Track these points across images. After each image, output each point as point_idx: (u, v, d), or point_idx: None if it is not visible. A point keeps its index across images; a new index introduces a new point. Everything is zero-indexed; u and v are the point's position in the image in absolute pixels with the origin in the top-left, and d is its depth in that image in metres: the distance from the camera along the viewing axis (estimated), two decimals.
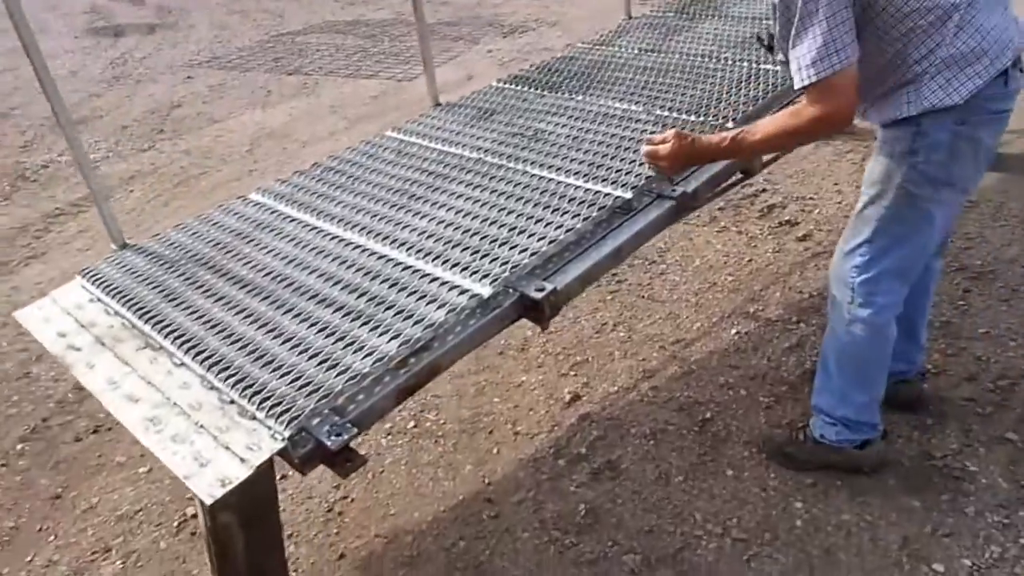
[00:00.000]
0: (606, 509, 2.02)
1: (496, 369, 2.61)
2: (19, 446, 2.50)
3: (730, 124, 2.13)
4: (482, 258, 1.67)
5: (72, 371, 1.62)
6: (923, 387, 2.22)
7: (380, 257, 1.75)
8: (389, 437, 2.36)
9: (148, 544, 2.09)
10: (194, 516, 2.14)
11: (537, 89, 2.61)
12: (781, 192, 3.56)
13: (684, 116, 2.23)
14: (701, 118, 2.20)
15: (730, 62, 2.62)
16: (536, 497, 2.08)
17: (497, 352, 2.69)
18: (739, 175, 2.24)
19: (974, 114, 1.59)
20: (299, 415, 1.33)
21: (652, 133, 2.13)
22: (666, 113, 2.27)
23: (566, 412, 2.38)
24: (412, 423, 2.40)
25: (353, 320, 1.55)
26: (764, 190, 3.59)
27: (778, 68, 2.47)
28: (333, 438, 1.29)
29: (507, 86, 2.69)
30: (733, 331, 2.66)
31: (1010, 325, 2.53)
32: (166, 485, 2.27)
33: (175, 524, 2.13)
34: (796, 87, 1.54)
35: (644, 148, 1.78)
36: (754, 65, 2.54)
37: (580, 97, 2.49)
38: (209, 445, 1.36)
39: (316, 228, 1.92)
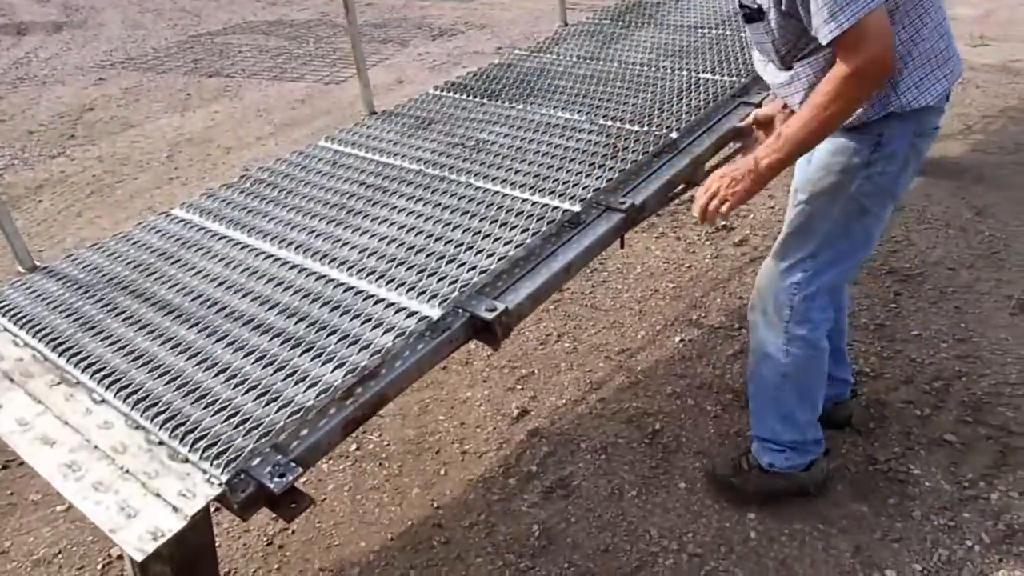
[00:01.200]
0: (560, 529, 1.97)
1: (440, 385, 2.53)
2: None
3: (674, 134, 2.11)
4: (428, 277, 1.59)
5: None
6: (855, 402, 2.24)
7: (319, 277, 1.64)
8: (331, 462, 2.24)
9: None
10: (119, 557, 1.98)
11: (476, 97, 2.54)
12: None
13: (628, 126, 2.20)
14: (644, 127, 2.17)
15: (669, 71, 2.61)
16: (488, 519, 2.01)
17: (440, 367, 2.60)
18: (683, 185, 2.22)
19: (925, 125, 1.60)
20: (237, 456, 1.22)
21: (597, 143, 2.09)
22: (608, 122, 2.24)
23: (514, 428, 2.32)
24: (354, 446, 2.29)
25: (293, 348, 1.44)
26: None
27: (717, 78, 2.48)
28: (276, 480, 1.19)
29: (445, 93, 2.61)
30: (677, 339, 2.66)
31: (940, 327, 2.61)
32: (87, 524, 2.09)
33: (99, 567, 1.97)
34: (829, 38, 1.42)
35: (698, 208, 1.71)
36: (693, 74, 2.54)
37: (521, 106, 2.43)
38: (136, 493, 1.23)
39: (247, 246, 1.79)
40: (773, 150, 1.56)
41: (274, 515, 2.03)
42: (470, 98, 2.54)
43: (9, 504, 2.19)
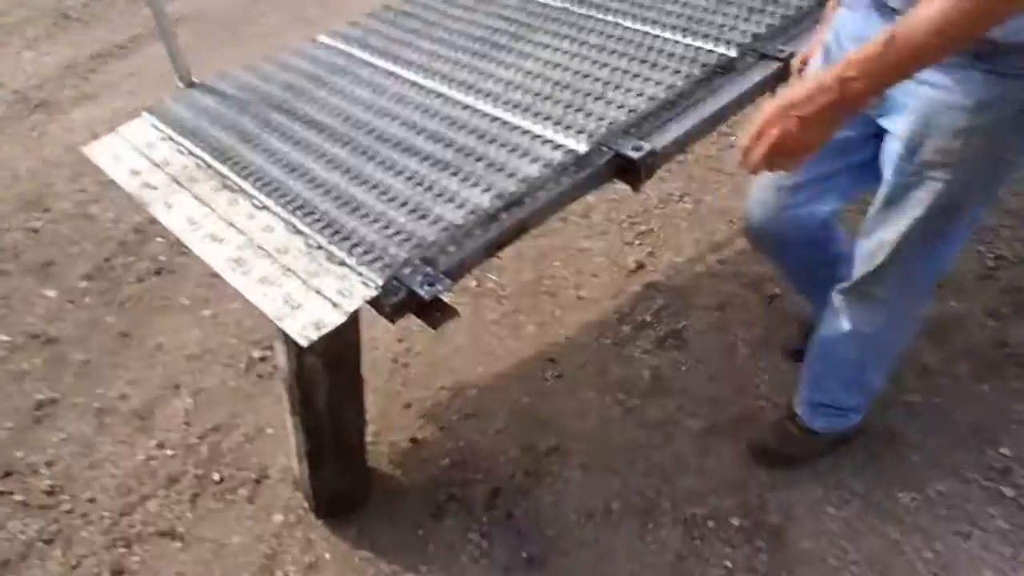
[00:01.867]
0: (671, 376, 2.03)
1: (557, 233, 2.57)
2: (83, 284, 2.54)
3: None
4: (575, 112, 1.57)
5: (150, 209, 1.59)
6: None
7: (465, 107, 1.65)
8: (451, 295, 2.35)
9: (217, 383, 2.14)
10: (261, 359, 2.19)
11: None
12: None
13: None
14: None
15: None
16: (600, 360, 2.09)
17: (559, 217, 2.63)
18: None
19: None
20: (391, 263, 1.30)
21: None
22: None
23: (630, 280, 2.35)
24: (474, 283, 2.39)
25: (442, 170, 1.48)
26: None
27: None
28: (426, 287, 1.26)
29: None
30: None
31: None
32: (231, 329, 2.30)
33: (243, 365, 2.18)
34: None
35: (742, 148, 1.20)
36: None
37: None
38: (299, 288, 1.34)
39: (394, 74, 1.82)
40: (873, 64, 1.02)
41: (399, 337, 2.19)
42: None
43: (163, 306, 2.42)
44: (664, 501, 1.76)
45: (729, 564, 1.63)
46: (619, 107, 1.57)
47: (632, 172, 1.49)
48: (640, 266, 2.39)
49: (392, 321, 1.36)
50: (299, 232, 1.43)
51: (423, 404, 2.03)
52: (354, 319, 1.46)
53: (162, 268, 2.57)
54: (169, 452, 1.96)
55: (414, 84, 1.77)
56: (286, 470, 1.90)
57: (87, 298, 2.50)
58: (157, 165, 1.70)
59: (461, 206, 1.39)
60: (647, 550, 1.67)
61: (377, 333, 2.22)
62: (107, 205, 2.85)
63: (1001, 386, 1.93)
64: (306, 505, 1.81)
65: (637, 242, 2.50)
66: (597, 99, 1.61)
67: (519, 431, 1.94)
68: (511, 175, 1.44)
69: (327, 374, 1.53)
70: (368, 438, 1.93)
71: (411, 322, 2.26)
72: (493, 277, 2.41)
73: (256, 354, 2.22)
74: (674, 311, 2.22)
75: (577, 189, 1.46)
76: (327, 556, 1.72)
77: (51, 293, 2.52)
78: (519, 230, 1.42)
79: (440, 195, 1.43)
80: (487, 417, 1.98)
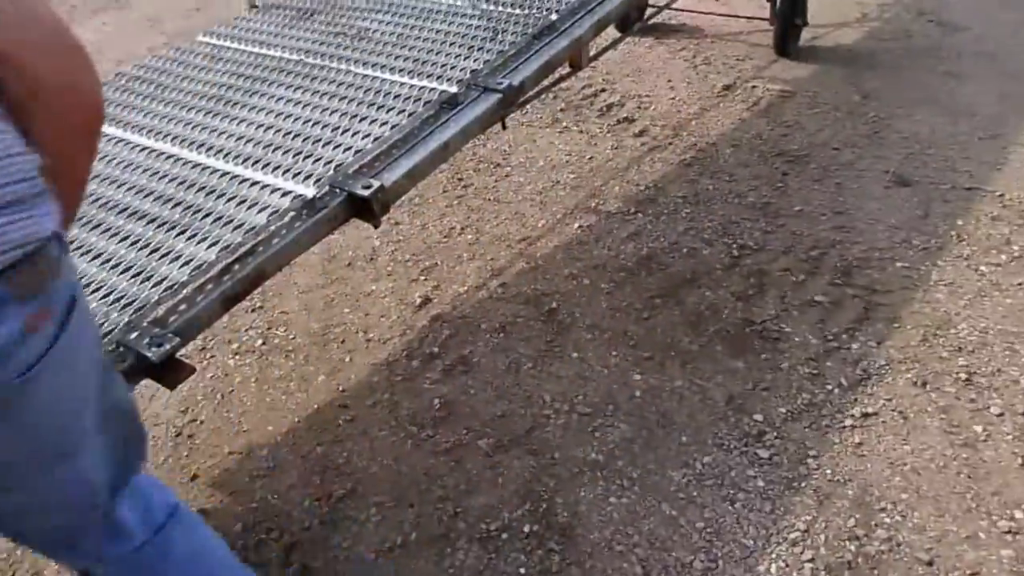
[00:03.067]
0: (460, 401, 2.09)
1: (345, 280, 2.58)
2: None
3: (553, 16, 2.14)
4: (305, 159, 1.62)
5: None
6: None
7: (195, 166, 1.66)
8: (237, 357, 2.30)
9: None
10: None
11: None
12: (619, 91, 3.65)
13: (508, 9, 2.21)
14: (524, 10, 2.19)
15: None
16: (391, 398, 2.11)
17: (345, 264, 2.65)
18: (568, 68, 2.27)
19: None
20: (113, 329, 1.27)
21: (478, 28, 2.10)
22: (491, 7, 2.25)
23: (417, 315, 2.40)
24: (260, 341, 2.35)
25: (168, 231, 1.47)
26: (604, 89, 3.67)
27: None
28: (154, 349, 1.24)
29: None
30: (576, 225, 2.75)
31: (821, 202, 2.77)
32: None
33: None
34: None
35: None
36: None
37: None
38: None
39: (123, 140, 1.79)
40: None
41: (182, 408, 2.11)
42: None
43: None
44: (459, 523, 1.79)
45: (523, 571, 1.69)
46: (347, 149, 1.63)
47: (368, 210, 1.55)
48: (426, 300, 2.45)
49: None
50: None
51: (211, 472, 1.96)
52: None
53: None
54: None
55: (144, 148, 1.75)
56: (63, 569, 1.77)
57: None
58: None
59: (187, 263, 1.39)
60: (445, 573, 1.70)
61: (158, 408, 2.13)
62: None
63: (752, 360, 2.15)
64: None
65: (422, 278, 2.56)
66: (326, 144, 1.66)
67: (313, 482, 1.91)
68: (238, 227, 1.45)
69: None
70: None
71: (195, 391, 2.20)
72: (280, 332, 2.38)
73: None
74: (460, 339, 2.29)
75: (313, 231, 1.50)
76: None
77: None
78: (255, 280, 1.43)
79: (165, 255, 1.41)
80: (279, 474, 1.94)
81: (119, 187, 1.61)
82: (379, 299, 2.49)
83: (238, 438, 2.03)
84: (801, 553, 1.68)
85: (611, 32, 3.48)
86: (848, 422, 1.95)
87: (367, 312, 2.44)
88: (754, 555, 1.68)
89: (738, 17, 4.07)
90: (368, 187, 1.54)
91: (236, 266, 1.40)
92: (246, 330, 2.39)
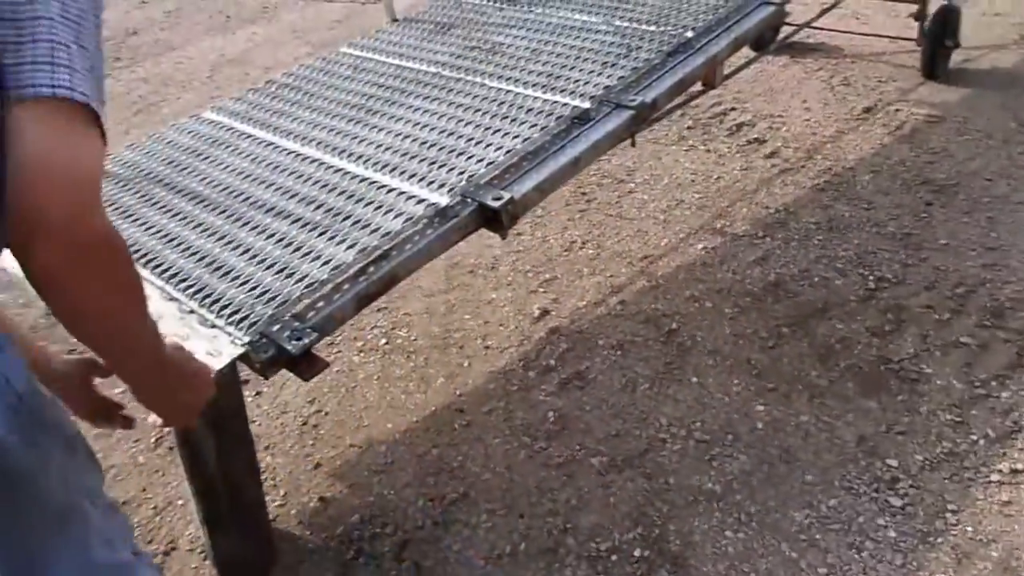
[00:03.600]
0: (574, 416, 2.07)
1: (467, 287, 2.63)
2: None
3: (689, 34, 2.11)
4: (439, 168, 1.66)
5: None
6: None
7: (337, 171, 1.73)
8: (361, 354, 2.38)
9: (126, 459, 2.11)
10: (170, 432, 2.16)
11: (495, 1, 2.54)
12: (750, 110, 3.54)
13: (643, 26, 2.20)
14: (660, 27, 2.16)
15: None
16: (506, 406, 2.12)
17: (467, 271, 2.70)
18: (700, 86, 2.23)
19: None
20: (258, 320, 1.34)
21: (612, 44, 2.09)
22: (626, 24, 2.24)
23: (535, 327, 2.41)
24: (384, 340, 2.42)
25: (310, 231, 1.55)
26: (733, 108, 3.57)
27: None
28: (294, 342, 1.30)
29: None
30: (700, 246, 2.69)
31: (969, 236, 2.58)
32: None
33: (152, 440, 2.16)
34: None
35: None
36: None
37: (539, 9, 2.43)
38: None
39: (272, 144, 1.90)
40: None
41: (309, 399, 2.20)
42: (489, 3, 2.55)
43: None
44: (569, 539, 1.78)
45: None
46: (479, 161, 1.66)
47: (496, 220, 1.57)
48: (545, 312, 2.46)
49: (264, 377, 1.39)
50: (173, 299, 1.46)
51: (333, 463, 2.03)
52: (234, 380, 1.49)
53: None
54: None
55: (291, 152, 1.84)
56: (195, 540, 1.87)
57: None
58: None
59: (327, 263, 1.45)
60: None
61: (287, 397, 2.23)
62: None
63: (887, 401, 2.02)
64: (215, 574, 1.78)
65: (542, 289, 2.57)
66: (460, 155, 1.70)
67: (428, 482, 1.95)
68: (375, 231, 1.51)
69: (213, 438, 1.54)
70: (276, 501, 1.93)
71: (322, 383, 2.29)
72: (402, 334, 2.45)
73: (166, 428, 2.19)
74: (577, 353, 2.28)
75: (444, 238, 1.54)
76: None
77: None
78: (388, 282, 1.47)
79: (307, 254, 1.48)
80: (396, 471, 1.99)
81: (268, 187, 1.71)
82: (499, 308, 2.51)
83: (359, 432, 2.10)
84: None
85: (744, 50, 3.39)
86: (995, 477, 1.80)
87: (487, 320, 2.46)
88: None
89: (881, 36, 3.88)
90: (499, 199, 1.56)
91: (371, 268, 1.45)
92: (371, 329, 2.47)
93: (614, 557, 1.73)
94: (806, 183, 2.96)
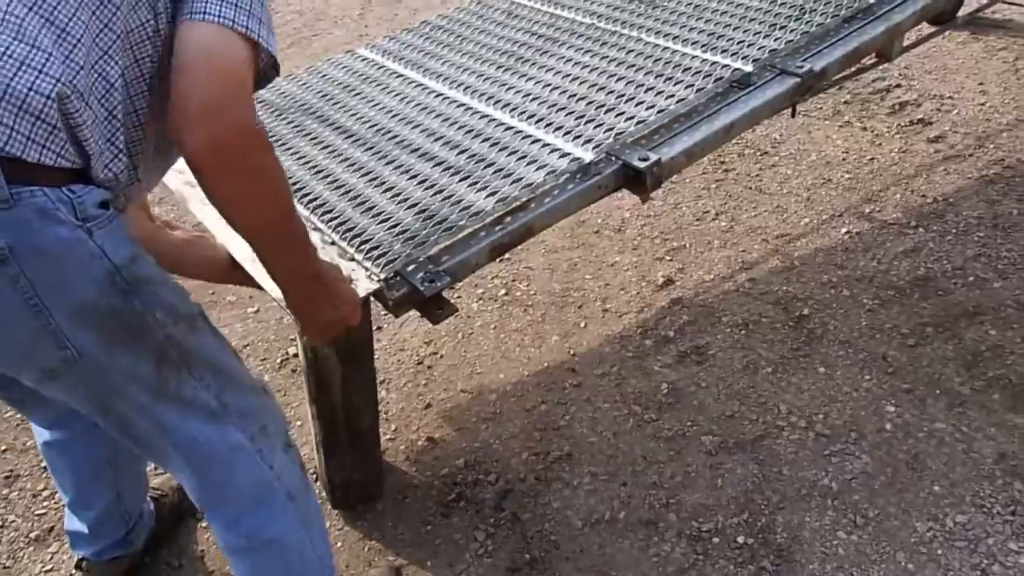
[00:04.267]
0: (689, 391, 2.02)
1: (591, 247, 2.59)
2: None
3: None
4: (586, 123, 1.62)
5: (188, 205, 1.70)
6: None
7: (483, 117, 1.73)
8: (480, 302, 2.41)
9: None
10: (295, 355, 2.28)
11: None
12: (917, 89, 3.27)
13: None
14: None
15: None
16: (620, 372, 2.10)
17: (593, 231, 2.66)
18: (874, 57, 2.06)
19: None
20: (395, 259, 1.37)
21: (784, 4, 1.95)
22: None
23: (657, 295, 2.35)
24: (503, 291, 2.44)
25: (453, 175, 1.55)
26: (898, 85, 3.31)
27: None
28: (427, 284, 1.33)
29: None
30: (843, 230, 2.53)
31: None
32: (271, 325, 2.41)
33: (278, 360, 2.28)
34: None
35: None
36: None
37: None
38: None
39: (421, 85, 1.91)
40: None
41: (426, 340, 2.25)
42: None
43: (211, 302, 2.56)
44: (670, 514, 1.75)
45: None
46: (629, 119, 1.61)
47: (639, 182, 1.52)
48: (669, 281, 2.39)
49: (395, 315, 1.43)
50: (316, 229, 1.51)
51: (443, 405, 2.08)
52: (367, 314, 1.53)
53: None
54: None
55: (439, 95, 1.85)
56: (309, 461, 1.98)
57: None
58: (178, 172, 1.81)
59: (466, 208, 1.45)
60: (649, 561, 1.67)
61: (405, 335, 2.29)
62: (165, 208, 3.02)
63: None
64: (324, 495, 1.87)
65: (668, 258, 2.50)
66: (609, 111, 1.65)
67: (534, 436, 1.96)
68: (516, 181, 1.49)
69: (341, 366, 1.60)
70: (386, 435, 2.00)
71: (441, 326, 2.33)
72: (522, 287, 2.45)
73: (292, 350, 2.31)
74: (698, 327, 2.21)
75: (584, 195, 1.50)
76: (338, 544, 1.78)
77: None
78: (524, 234, 1.46)
79: (448, 198, 1.49)
80: (504, 421, 2.01)
81: (414, 128, 1.73)
82: (621, 271, 2.47)
83: (471, 379, 2.14)
84: None
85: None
86: None
87: (608, 282, 2.43)
88: None
89: None
90: (645, 159, 1.51)
91: (508, 218, 1.45)
92: (492, 278, 2.49)
93: (716, 540, 1.69)
94: (972, 173, 2.71)
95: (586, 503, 1.79)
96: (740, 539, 1.69)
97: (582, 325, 2.28)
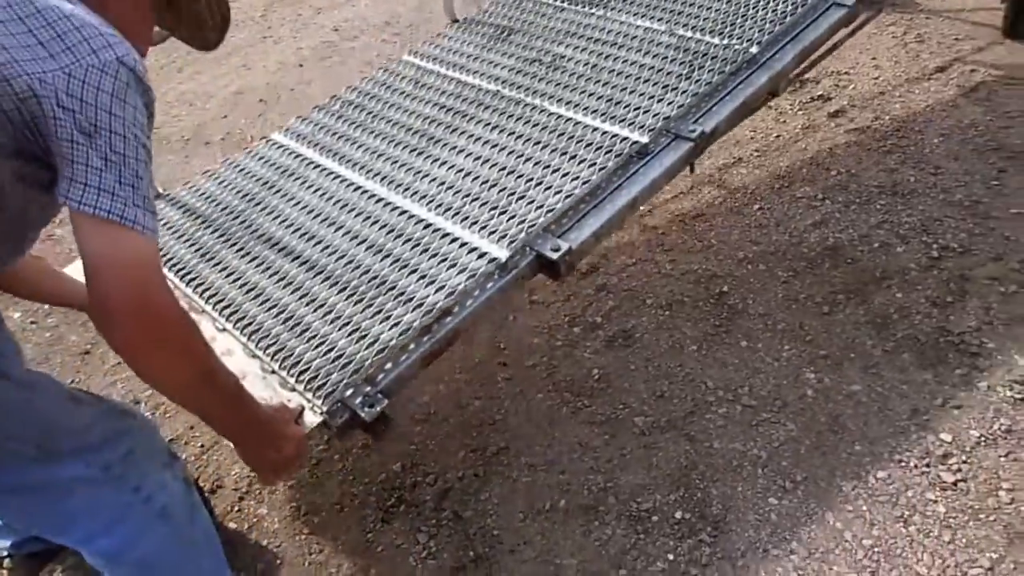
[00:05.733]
0: (618, 375, 2.06)
1: None
2: (47, 305, 2.56)
3: (754, 48, 2.02)
4: (499, 216, 1.69)
5: None
6: None
7: (402, 213, 1.78)
8: None
9: None
10: None
11: (557, 1, 2.47)
12: (815, 66, 3.39)
13: (707, 37, 2.13)
14: (724, 39, 2.09)
15: None
16: (550, 362, 2.12)
17: None
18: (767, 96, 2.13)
19: None
20: (334, 389, 1.41)
21: (674, 61, 2.05)
22: (689, 33, 2.17)
23: (583, 283, 2.38)
24: None
25: (379, 285, 1.61)
26: None
27: None
28: (367, 409, 1.38)
29: None
30: (756, 207, 2.61)
31: None
32: None
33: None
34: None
35: None
36: None
37: (600, 12, 2.36)
38: None
39: (339, 176, 1.94)
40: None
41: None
42: (551, 2, 2.48)
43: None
44: (609, 497, 1.78)
45: (671, 557, 1.65)
46: (539, 208, 1.68)
47: (553, 269, 1.60)
48: (593, 269, 2.42)
49: (340, 439, 1.48)
50: (255, 356, 1.55)
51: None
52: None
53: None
54: None
55: (357, 187, 1.88)
56: (240, 479, 1.93)
57: (50, 319, 2.53)
58: None
59: (396, 324, 1.51)
60: (592, 546, 1.69)
61: None
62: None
63: (944, 374, 1.96)
64: (261, 513, 1.83)
65: None
66: (520, 199, 1.72)
67: (470, 433, 1.96)
68: (440, 288, 1.56)
69: None
70: (320, 446, 1.97)
71: None
72: None
73: None
74: (624, 312, 2.25)
75: (503, 291, 1.58)
76: (277, 563, 1.74)
77: (16, 315, 2.54)
78: (451, 339, 1.53)
79: (378, 313, 1.55)
80: (439, 421, 2.01)
81: (337, 230, 1.78)
82: None
83: None
84: None
85: None
86: None
87: None
88: None
89: None
90: (557, 249, 1.59)
91: (435, 326, 1.51)
92: None
93: (655, 518, 1.73)
94: (871, 145, 2.84)
95: (526, 495, 1.80)
96: (678, 514, 1.73)
97: (510, 318, 2.29)
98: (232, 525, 1.82)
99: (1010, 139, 2.78)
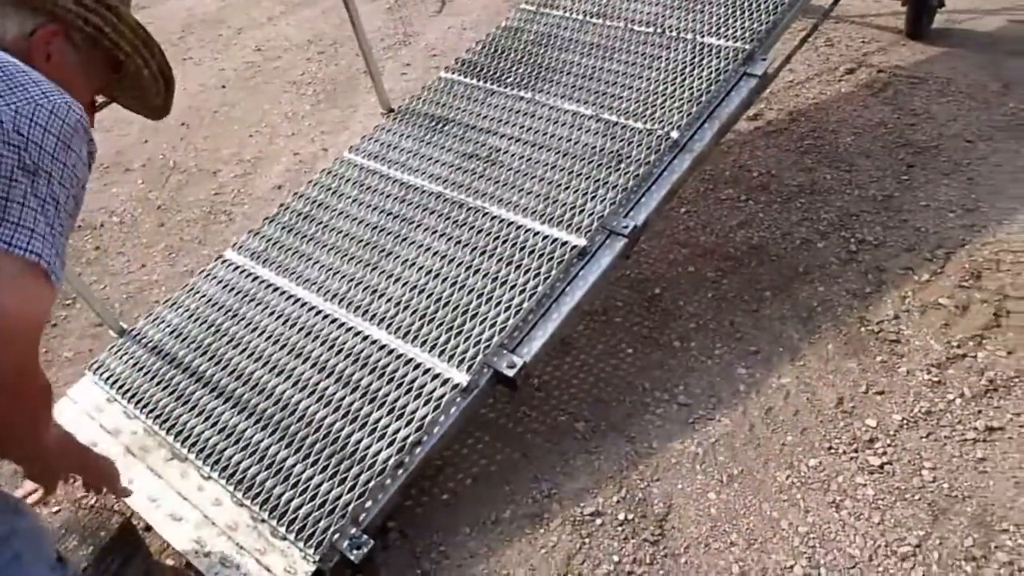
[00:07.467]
0: (558, 382, 2.08)
1: None
2: None
3: (675, 133, 2.10)
4: (456, 335, 1.78)
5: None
6: None
7: (365, 338, 1.84)
8: None
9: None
10: None
11: (485, 82, 2.51)
12: None
13: (631, 122, 2.21)
14: (647, 124, 2.18)
15: (673, 36, 2.49)
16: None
17: None
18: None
19: None
20: (323, 538, 1.49)
21: (602, 151, 2.13)
22: (614, 118, 2.24)
23: None
24: None
25: (352, 422, 1.68)
26: None
27: (721, 44, 2.37)
28: (355, 552, 1.47)
29: (455, 77, 2.58)
30: (683, 210, 2.68)
31: (950, 198, 2.59)
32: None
33: None
34: None
35: None
36: (697, 39, 2.43)
37: (528, 95, 2.42)
38: (254, 569, 1.51)
39: (298, 299, 1.97)
40: None
41: None
42: (479, 83, 2.53)
43: (47, 361, 2.36)
44: (553, 504, 1.79)
45: (616, 559, 1.68)
46: (492, 326, 1.77)
47: (510, 381, 1.70)
48: None
49: None
50: (243, 505, 1.59)
51: None
52: None
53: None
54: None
55: (319, 312, 1.93)
56: None
57: None
58: (110, 433, 1.82)
59: (371, 466, 1.59)
60: (538, 554, 1.70)
61: None
62: None
63: (866, 362, 2.05)
64: None
65: None
66: (473, 316, 1.81)
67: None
68: (408, 421, 1.64)
69: None
70: None
71: None
72: None
73: None
74: None
75: (467, 412, 1.69)
76: None
77: None
78: (424, 466, 1.64)
79: (354, 452, 1.62)
80: None
81: (304, 361, 1.83)
82: None
83: None
84: (911, 569, 1.60)
85: None
86: (970, 435, 1.83)
87: None
88: (859, 566, 1.61)
89: None
90: (512, 366, 1.69)
91: (407, 459, 1.60)
92: None
93: (599, 521, 1.75)
94: (789, 145, 2.95)
95: (472, 509, 1.80)
96: (621, 516, 1.75)
97: None
98: None
99: (916, 135, 2.93)
